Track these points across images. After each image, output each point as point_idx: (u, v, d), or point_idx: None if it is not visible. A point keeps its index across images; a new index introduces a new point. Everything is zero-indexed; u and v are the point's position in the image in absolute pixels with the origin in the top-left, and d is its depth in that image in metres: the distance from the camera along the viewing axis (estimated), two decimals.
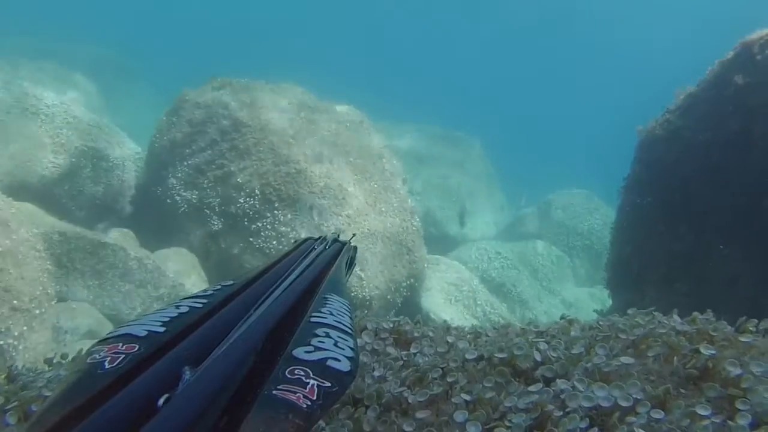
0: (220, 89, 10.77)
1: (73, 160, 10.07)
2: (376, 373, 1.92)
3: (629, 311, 2.37)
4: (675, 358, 1.80)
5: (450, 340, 2.18)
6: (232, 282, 1.51)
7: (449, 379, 1.83)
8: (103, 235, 9.26)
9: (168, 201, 9.97)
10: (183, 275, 8.98)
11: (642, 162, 6.70)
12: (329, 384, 1.07)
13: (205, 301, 1.36)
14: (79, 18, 32.99)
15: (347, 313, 1.43)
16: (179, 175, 10.08)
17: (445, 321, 5.64)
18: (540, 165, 30.42)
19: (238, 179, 9.60)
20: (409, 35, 48.19)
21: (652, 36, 41.90)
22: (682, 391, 1.65)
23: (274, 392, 1.01)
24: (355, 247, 2.28)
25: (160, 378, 0.98)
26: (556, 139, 37.19)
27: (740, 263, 5.27)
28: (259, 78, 11.53)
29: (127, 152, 11.19)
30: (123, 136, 11.75)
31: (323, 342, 1.21)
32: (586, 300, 14.66)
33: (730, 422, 1.47)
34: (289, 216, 9.32)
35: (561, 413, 1.56)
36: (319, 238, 2.08)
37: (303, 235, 8.39)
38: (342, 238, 2.17)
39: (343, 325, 1.33)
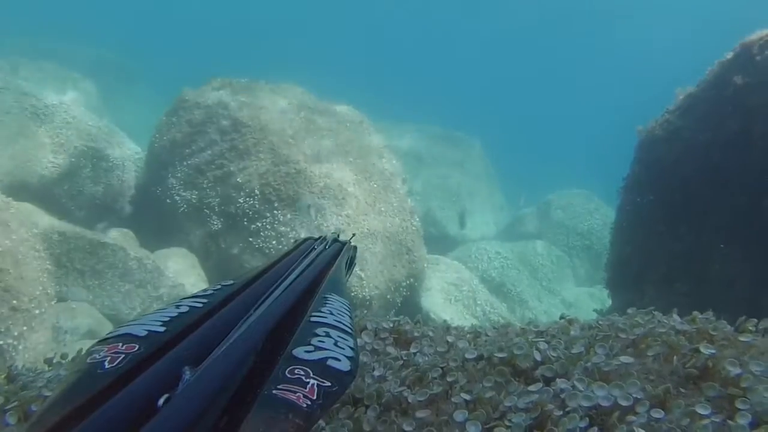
0: (219, 89, 10.77)
1: (73, 160, 10.07)
2: (376, 373, 1.92)
3: (629, 311, 2.37)
4: (675, 357, 1.80)
5: (450, 340, 2.18)
6: (232, 282, 1.51)
7: (449, 379, 1.83)
8: (103, 235, 9.26)
9: (168, 201, 9.97)
10: (183, 275, 8.98)
11: (642, 162, 6.70)
12: (329, 383, 1.07)
13: (205, 301, 1.36)
14: (79, 18, 32.99)
15: (347, 313, 1.43)
16: (179, 175, 10.08)
17: (444, 321, 5.65)
18: (540, 165, 30.44)
19: (238, 179, 9.60)
20: (409, 35, 48.21)
21: (652, 36, 41.91)
22: (682, 390, 1.65)
23: (274, 392, 1.01)
24: (355, 247, 2.28)
25: (160, 378, 0.98)
26: (556, 139, 37.21)
27: (740, 263, 5.28)
28: (259, 78, 11.54)
29: (127, 152, 11.19)
30: (123, 136, 11.74)
31: (323, 342, 1.21)
32: (585, 300, 14.66)
33: (729, 421, 1.47)
34: (288, 216, 9.32)
35: (561, 413, 1.56)
36: (319, 237, 2.08)
37: (303, 235, 8.38)
38: (342, 237, 2.17)
39: (343, 324, 1.33)
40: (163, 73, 25.65)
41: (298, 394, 1.01)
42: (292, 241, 4.83)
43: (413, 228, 10.51)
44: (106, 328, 7.78)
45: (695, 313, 2.13)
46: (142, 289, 8.51)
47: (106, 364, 1.06)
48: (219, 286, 1.48)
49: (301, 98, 11.20)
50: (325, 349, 1.18)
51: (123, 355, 1.08)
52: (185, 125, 10.47)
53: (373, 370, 1.95)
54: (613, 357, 1.84)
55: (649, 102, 7.69)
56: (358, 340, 2.05)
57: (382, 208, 10.04)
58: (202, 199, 9.74)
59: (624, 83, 40.30)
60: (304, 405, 0.99)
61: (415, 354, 2.07)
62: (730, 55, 5.74)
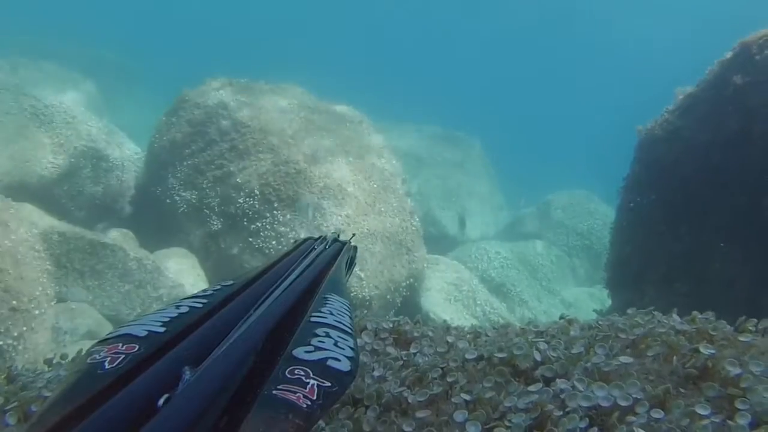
0: (219, 89, 10.77)
1: (73, 160, 10.07)
2: (376, 373, 1.92)
3: (629, 311, 2.37)
4: (674, 357, 1.80)
5: (450, 340, 2.19)
6: (231, 282, 1.51)
7: (449, 379, 1.83)
8: (103, 235, 9.26)
9: (167, 201, 9.97)
10: (182, 275, 8.98)
11: (641, 162, 6.70)
12: (329, 384, 1.07)
13: (205, 301, 1.36)
14: (79, 18, 32.98)
15: (347, 313, 1.43)
16: (179, 175, 10.08)
17: (444, 321, 5.64)
18: (540, 165, 30.43)
19: (238, 179, 9.60)
20: (409, 35, 48.20)
21: (652, 36, 41.92)
22: (682, 390, 1.65)
23: (274, 392, 1.01)
24: (355, 247, 2.28)
25: (160, 378, 0.98)
26: (556, 139, 37.19)
27: (740, 263, 5.28)
28: (259, 78, 11.54)
29: (127, 152, 11.19)
30: (122, 137, 11.75)
31: (323, 342, 1.21)
32: (585, 300, 14.67)
33: (729, 422, 1.47)
34: (288, 216, 9.32)
35: (561, 413, 1.56)
36: (319, 237, 2.08)
37: (302, 235, 8.38)
38: (342, 237, 2.17)
39: (343, 324, 1.33)
40: (163, 73, 25.64)
41: (298, 394, 1.01)
42: (292, 241, 4.84)
43: (413, 228, 10.51)
44: (106, 329, 7.78)
45: (695, 313, 2.13)
46: (142, 289, 8.51)
47: (106, 364, 1.06)
48: (219, 287, 1.48)
49: (301, 98, 11.20)
50: (325, 350, 1.18)
51: (123, 356, 1.08)
52: (185, 125, 10.48)
53: (373, 370, 1.95)
54: (613, 357, 1.84)
55: (649, 102, 7.69)
56: (358, 340, 2.05)
57: (382, 208, 10.04)
58: (201, 199, 9.74)
59: (624, 83, 40.30)
60: (304, 405, 0.99)
61: (415, 354, 2.07)
62: (729, 54, 5.74)
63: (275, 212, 9.33)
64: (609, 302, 7.72)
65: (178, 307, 1.31)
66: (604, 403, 1.57)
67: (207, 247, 9.59)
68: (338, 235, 2.17)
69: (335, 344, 1.22)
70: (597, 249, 15.82)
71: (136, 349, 1.11)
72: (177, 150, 10.32)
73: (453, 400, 1.70)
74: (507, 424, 1.57)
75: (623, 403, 1.56)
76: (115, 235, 9.43)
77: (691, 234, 5.78)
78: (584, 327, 2.25)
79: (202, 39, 38.04)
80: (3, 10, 25.85)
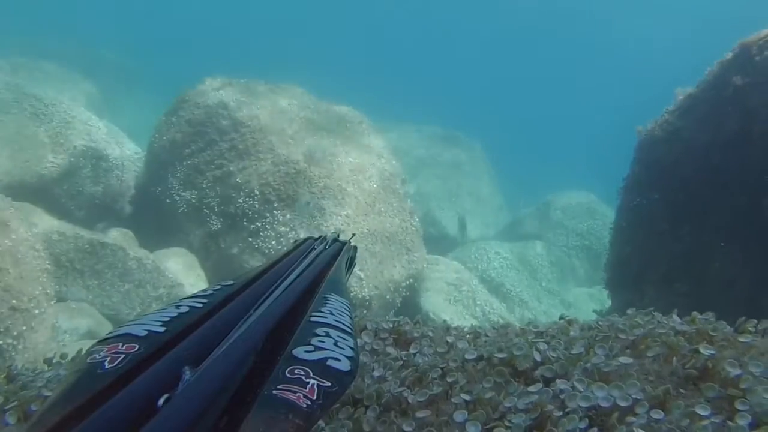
0: (219, 89, 10.78)
1: (73, 160, 10.07)
2: (376, 373, 1.92)
3: (628, 311, 2.37)
4: (674, 358, 1.80)
5: (449, 340, 2.18)
6: (231, 282, 1.51)
7: (449, 379, 1.83)
8: (103, 235, 9.26)
9: (167, 201, 9.97)
10: (182, 275, 8.98)
11: (641, 162, 6.70)
12: (329, 384, 1.07)
13: (205, 301, 1.36)
14: (79, 18, 32.98)
15: (347, 313, 1.43)
16: (179, 175, 10.08)
17: (444, 321, 5.64)
18: (540, 165, 30.42)
19: (238, 179, 9.60)
20: (409, 35, 48.20)
21: (652, 36, 41.93)
22: (682, 391, 1.65)
23: (274, 392, 1.01)
24: (355, 247, 2.28)
25: (160, 378, 0.98)
26: (556, 140, 37.17)
27: (740, 263, 5.28)
28: (259, 78, 11.54)
29: (127, 152, 11.20)
30: (122, 136, 11.76)
31: (323, 342, 1.21)
32: (585, 300, 14.67)
33: (729, 422, 1.47)
34: (288, 216, 9.32)
35: (560, 413, 1.56)
36: (319, 237, 2.08)
37: (302, 235, 8.39)
38: (342, 237, 2.17)
39: (343, 324, 1.33)
40: (163, 73, 25.61)
41: (298, 394, 1.01)
42: (292, 241, 4.84)
43: (413, 228, 10.52)
44: (106, 328, 7.79)
45: (695, 313, 2.13)
46: (142, 289, 8.52)
47: (106, 364, 1.06)
48: (219, 287, 1.48)
49: (301, 98, 11.20)
50: (325, 349, 1.18)
51: (123, 355, 1.08)
52: (185, 125, 10.48)
53: (373, 370, 1.95)
54: (613, 358, 1.84)
55: (649, 102, 7.69)
56: (358, 340, 2.05)
57: (382, 209, 10.04)
58: (201, 199, 9.75)
59: (624, 83, 40.31)
60: (304, 405, 0.99)
61: (414, 354, 2.07)
62: (729, 55, 5.74)
63: (275, 212, 9.33)
64: (609, 303, 7.72)
65: (178, 306, 1.31)
66: (604, 404, 1.57)
67: (207, 247, 9.59)
68: (338, 235, 2.17)
69: (335, 344, 1.22)
70: (597, 249, 15.83)
71: (136, 348, 1.11)
72: (177, 150, 10.32)
73: (453, 400, 1.70)
74: (507, 424, 1.57)
75: (623, 404, 1.56)
76: (115, 235, 9.44)
77: (691, 234, 5.78)
78: (584, 327, 2.25)
79: (202, 39, 38.04)
80: (3, 10, 25.85)
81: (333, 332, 1.27)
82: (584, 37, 44.43)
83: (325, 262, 1.79)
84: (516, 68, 45.48)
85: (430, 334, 2.27)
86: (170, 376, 0.97)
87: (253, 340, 1.15)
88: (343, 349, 1.21)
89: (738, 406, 1.51)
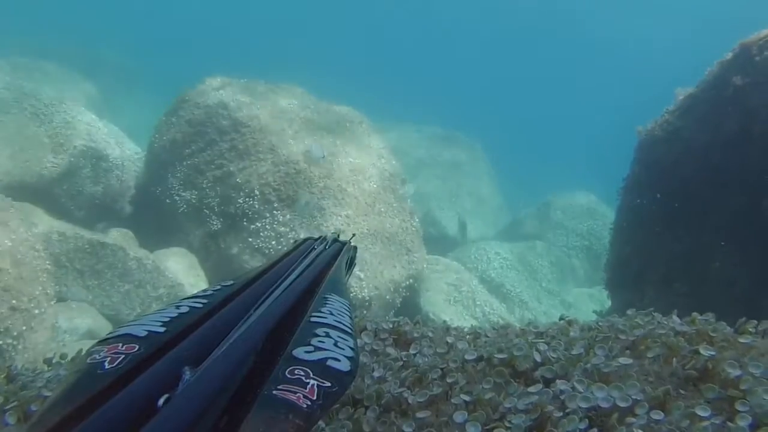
0: (219, 89, 10.78)
1: (73, 159, 10.06)
2: (376, 374, 1.92)
3: (628, 312, 2.37)
4: (674, 359, 1.80)
5: (449, 341, 2.18)
6: (231, 282, 1.51)
7: (449, 380, 1.83)
8: (103, 235, 9.27)
9: (167, 201, 9.97)
10: (182, 275, 8.98)
11: (641, 163, 6.70)
12: (329, 384, 1.07)
13: (205, 301, 1.36)
14: (79, 18, 32.97)
15: (347, 313, 1.43)
16: (179, 175, 10.08)
17: (444, 321, 5.64)
18: (540, 165, 30.42)
19: (238, 179, 9.60)
20: (409, 35, 48.19)
21: (652, 36, 41.91)
22: (682, 392, 1.65)
23: (274, 392, 1.01)
24: (355, 247, 2.28)
25: (160, 378, 0.98)
26: (556, 140, 37.18)
27: (739, 264, 5.28)
28: (259, 78, 11.54)
29: (127, 152, 11.20)
30: (122, 136, 11.76)
31: (323, 342, 1.21)
32: (585, 301, 14.67)
33: (729, 423, 1.47)
34: (288, 216, 9.32)
35: (561, 414, 1.56)
36: (319, 238, 2.08)
37: (302, 235, 8.39)
38: (342, 238, 2.17)
39: (343, 325, 1.33)
40: (163, 73, 25.60)
41: (298, 394, 1.01)
42: (292, 241, 4.83)
43: (413, 228, 10.52)
44: (106, 328, 7.79)
45: (695, 314, 2.13)
46: (142, 289, 8.52)
47: (106, 364, 1.06)
48: (219, 287, 1.48)
49: (301, 98, 11.20)
50: (325, 350, 1.18)
51: (123, 356, 1.08)
52: (185, 125, 10.48)
53: (373, 370, 1.95)
54: (613, 358, 1.84)
55: (649, 102, 7.69)
56: (358, 340, 2.05)
57: (382, 209, 10.04)
58: (201, 199, 9.75)
59: (624, 83, 40.29)
60: (304, 405, 0.99)
61: (414, 355, 2.07)
62: (729, 55, 5.74)
63: (275, 212, 9.33)
64: (609, 303, 7.72)
65: (178, 307, 1.31)
66: (604, 405, 1.57)
67: (207, 247, 9.59)
68: (338, 235, 2.17)
69: (335, 344, 1.22)
70: (597, 250, 15.83)
71: (136, 349, 1.11)
72: (177, 150, 10.32)
73: (453, 400, 1.70)
74: (507, 424, 1.57)
75: (623, 405, 1.56)
76: (115, 235, 9.44)
77: (691, 234, 5.78)
78: (584, 328, 2.25)
79: (202, 39, 38.03)
80: (3, 10, 25.84)
81: (333, 332, 1.27)
82: (584, 37, 44.41)
83: (325, 263, 1.79)
84: (516, 68, 45.49)
85: (430, 334, 2.27)
86: (170, 377, 0.97)
87: (253, 340, 1.15)
88: (343, 349, 1.21)
89: (738, 407, 1.51)
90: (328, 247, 1.98)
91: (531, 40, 46.25)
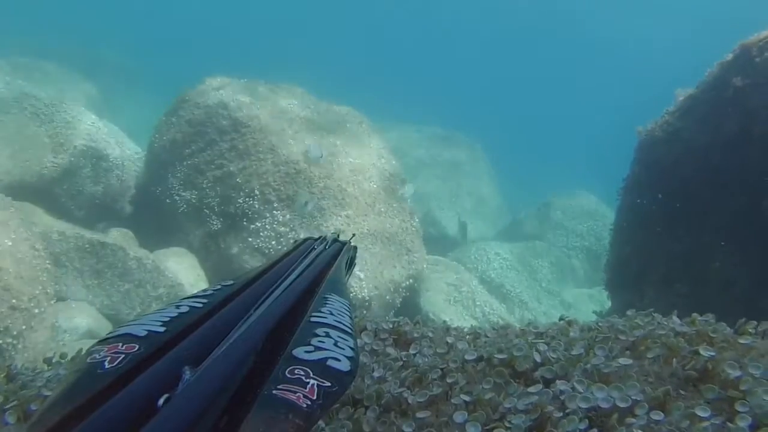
0: (219, 89, 10.77)
1: (73, 159, 10.06)
2: (376, 374, 1.92)
3: (628, 312, 2.37)
4: (674, 359, 1.80)
5: (449, 341, 2.18)
6: (231, 282, 1.51)
7: (449, 380, 1.83)
8: (103, 234, 9.27)
9: (167, 201, 9.97)
10: (182, 275, 8.98)
11: (641, 163, 6.70)
12: (329, 384, 1.07)
13: (205, 301, 1.36)
14: (79, 18, 32.97)
15: (347, 313, 1.43)
16: (179, 175, 10.08)
17: (444, 322, 5.64)
18: (540, 165, 30.43)
19: (238, 179, 9.60)
20: (409, 35, 48.18)
21: (652, 36, 41.92)
22: (682, 392, 1.65)
23: (274, 392, 1.01)
24: (355, 247, 2.28)
25: (160, 378, 0.98)
26: (557, 140, 37.18)
27: (739, 264, 5.28)
28: (259, 78, 11.54)
29: (127, 152, 11.19)
30: (123, 136, 11.75)
31: (323, 342, 1.21)
32: (585, 301, 14.67)
33: (729, 424, 1.47)
34: (288, 216, 9.32)
35: (560, 414, 1.56)
36: (319, 237, 2.08)
37: (302, 235, 8.39)
38: (342, 238, 2.17)
39: (343, 324, 1.33)
40: (163, 73, 25.60)
41: (298, 394, 1.01)
42: (292, 241, 4.83)
43: (413, 228, 10.52)
44: (106, 328, 7.79)
45: (695, 315, 2.13)
46: (142, 288, 8.52)
47: (106, 364, 1.06)
48: (219, 286, 1.48)
49: (301, 98, 11.21)
50: (325, 350, 1.18)
51: (123, 355, 1.08)
52: (185, 125, 10.48)
53: (373, 370, 1.95)
54: (613, 359, 1.84)
55: (649, 102, 7.70)
56: (358, 340, 2.05)
57: (382, 209, 10.04)
58: (201, 199, 9.75)
59: (624, 83, 40.29)
60: (304, 405, 0.99)
61: (414, 355, 2.07)
62: (729, 56, 5.74)
63: (275, 212, 9.33)
64: (608, 303, 7.72)
65: (178, 306, 1.31)
66: (604, 405, 1.57)
67: (207, 246, 9.59)
68: (338, 235, 2.17)
69: (335, 344, 1.22)
70: (596, 250, 15.83)
71: (136, 348, 1.11)
72: (177, 150, 10.32)
73: (453, 400, 1.70)
74: (507, 425, 1.57)
75: (623, 405, 1.56)
76: (115, 235, 9.44)
77: (691, 235, 5.78)
78: (584, 328, 2.25)
79: (202, 39, 38.02)
80: (3, 10, 25.84)
81: (333, 332, 1.27)
82: (584, 37, 44.42)
83: (325, 263, 1.79)
84: (516, 68, 45.49)
85: (430, 334, 2.27)
86: (170, 376, 0.97)
87: (253, 340, 1.15)
88: (343, 349, 1.21)
89: (738, 407, 1.51)
90: (328, 247, 1.98)
91: (531, 40, 46.26)
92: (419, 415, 1.66)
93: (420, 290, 10.84)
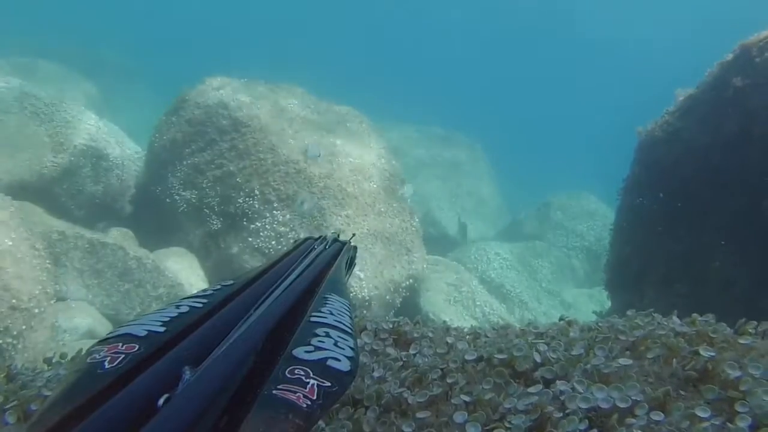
0: (219, 89, 10.77)
1: (73, 159, 10.06)
2: (376, 374, 1.92)
3: (628, 312, 2.37)
4: (674, 359, 1.80)
5: (449, 341, 2.18)
6: (231, 282, 1.51)
7: (449, 380, 1.83)
8: (103, 234, 9.26)
9: (167, 200, 9.97)
10: (182, 275, 8.98)
11: (641, 163, 6.70)
12: (329, 384, 1.07)
13: (205, 301, 1.36)
14: (79, 18, 32.96)
15: (347, 313, 1.43)
16: (179, 174, 10.08)
17: (444, 322, 5.64)
18: (540, 165, 30.44)
19: (238, 179, 9.60)
20: (410, 35, 48.18)
21: (652, 36, 41.91)
22: (682, 392, 1.65)
23: (274, 392, 1.01)
24: (355, 247, 2.28)
25: (160, 378, 0.98)
26: (557, 140, 37.20)
27: (739, 264, 5.28)
28: (259, 78, 11.54)
29: (127, 152, 11.19)
30: (123, 136, 11.75)
31: (323, 342, 1.21)
32: (585, 301, 14.66)
33: (729, 424, 1.47)
34: (288, 216, 9.32)
35: (560, 414, 1.56)
36: (319, 237, 2.08)
37: (302, 235, 8.39)
38: (342, 238, 2.17)
39: (343, 324, 1.33)
40: (163, 73, 25.59)
41: (298, 394, 1.01)
42: (292, 241, 4.83)
43: (413, 228, 10.52)
44: (106, 328, 7.79)
45: (695, 315, 2.13)
46: (142, 288, 8.52)
47: (106, 364, 1.06)
48: (219, 286, 1.48)
49: (301, 98, 11.21)
50: (325, 350, 1.18)
51: (123, 355, 1.08)
52: (185, 125, 10.48)
53: (373, 370, 1.95)
54: (613, 359, 1.84)
55: (650, 102, 7.70)
56: (358, 340, 2.05)
57: (382, 209, 10.04)
58: (201, 198, 9.75)
59: (624, 83, 40.29)
60: (304, 405, 0.99)
61: (414, 355, 2.07)
62: (729, 56, 5.74)
63: (275, 212, 9.33)
64: (608, 303, 7.72)
65: (178, 306, 1.31)
66: (604, 405, 1.57)
67: (207, 246, 9.59)
68: (338, 235, 2.17)
69: (335, 344, 1.22)
70: (596, 250, 15.83)
71: (136, 348, 1.11)
72: (177, 149, 10.32)
73: (453, 401, 1.70)
74: (507, 425, 1.57)
75: (623, 405, 1.56)
76: (115, 234, 9.44)
77: (691, 235, 5.78)
78: (584, 328, 2.25)
79: (202, 38, 38.02)
80: (3, 10, 25.83)
81: (333, 332, 1.27)
82: (584, 37, 44.39)
83: (325, 262, 1.79)
84: (516, 68, 45.47)
85: (430, 334, 2.27)
86: (170, 376, 0.97)
87: (253, 340, 1.15)
88: (343, 349, 1.21)
89: (738, 408, 1.51)
90: (328, 247, 1.98)
91: (531, 40, 46.24)
92: (419, 415, 1.66)
93: (420, 290, 10.84)
